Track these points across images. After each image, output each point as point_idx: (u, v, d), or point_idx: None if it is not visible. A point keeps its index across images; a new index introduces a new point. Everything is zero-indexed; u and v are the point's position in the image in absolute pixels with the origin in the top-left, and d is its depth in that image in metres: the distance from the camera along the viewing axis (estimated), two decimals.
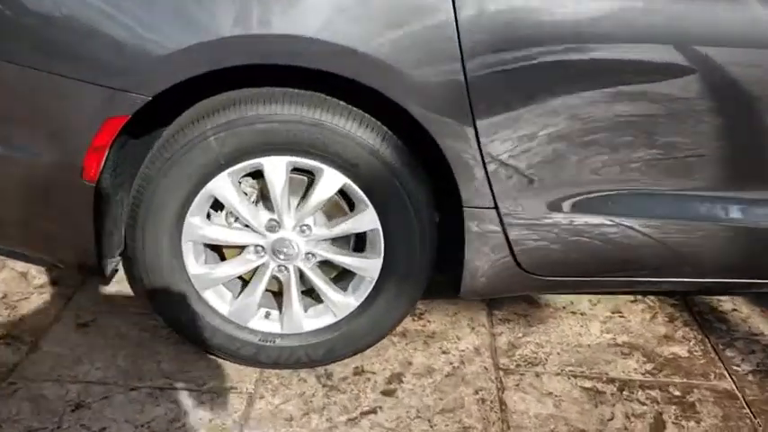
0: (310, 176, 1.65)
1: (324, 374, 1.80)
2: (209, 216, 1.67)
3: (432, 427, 1.66)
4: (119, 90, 1.45)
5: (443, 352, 1.90)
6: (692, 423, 1.71)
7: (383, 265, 1.68)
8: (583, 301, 2.14)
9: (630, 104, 1.51)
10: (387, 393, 1.75)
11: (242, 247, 1.69)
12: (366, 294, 1.72)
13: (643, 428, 1.68)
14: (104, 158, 1.53)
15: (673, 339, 2.01)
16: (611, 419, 1.71)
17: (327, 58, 1.43)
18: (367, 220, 1.63)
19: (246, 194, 1.65)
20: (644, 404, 1.76)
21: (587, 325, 2.05)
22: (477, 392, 1.76)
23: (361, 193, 1.60)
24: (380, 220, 1.63)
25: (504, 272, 1.71)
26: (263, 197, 1.69)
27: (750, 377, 1.87)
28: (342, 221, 1.65)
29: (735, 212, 1.62)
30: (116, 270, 1.90)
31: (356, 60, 1.42)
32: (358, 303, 1.73)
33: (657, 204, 1.66)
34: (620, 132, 1.54)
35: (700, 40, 1.45)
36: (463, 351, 1.91)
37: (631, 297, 2.16)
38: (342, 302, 1.73)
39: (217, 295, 1.72)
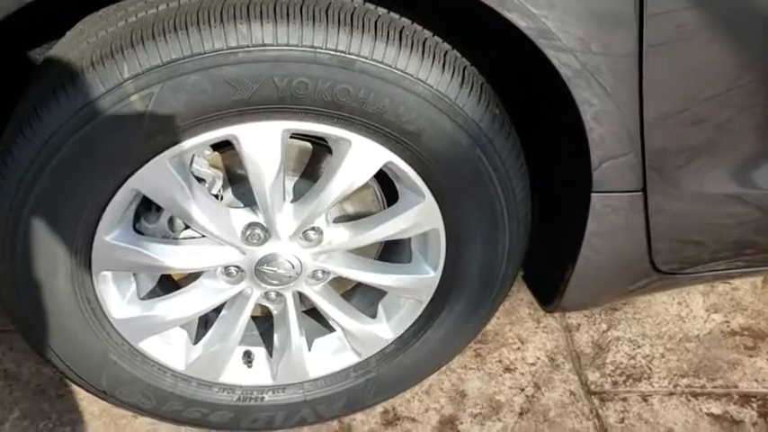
0: (317, 142, 0.93)
1: (339, 430, 1.17)
2: (137, 219, 0.93)
3: None
4: None
5: (507, 369, 1.29)
6: None
7: (442, 280, 1.01)
8: None
9: None
10: None
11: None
12: (411, 323, 1.06)
13: None
14: None
15: None
16: None
17: None
18: (423, 217, 0.94)
19: (203, 180, 0.91)
20: None
21: (686, 301, 1.47)
22: None
23: (413, 175, 0.89)
24: (444, 215, 0.94)
25: (629, 276, 1.08)
26: (232, 179, 0.96)
27: None
28: (381, 221, 0.95)
29: None
30: None
31: None
32: (396, 336, 1.07)
33: None
34: None
35: None
36: (533, 365, 1.31)
37: None
38: (369, 336, 1.06)
39: (162, 341, 1.02)
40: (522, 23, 0.77)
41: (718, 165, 0.97)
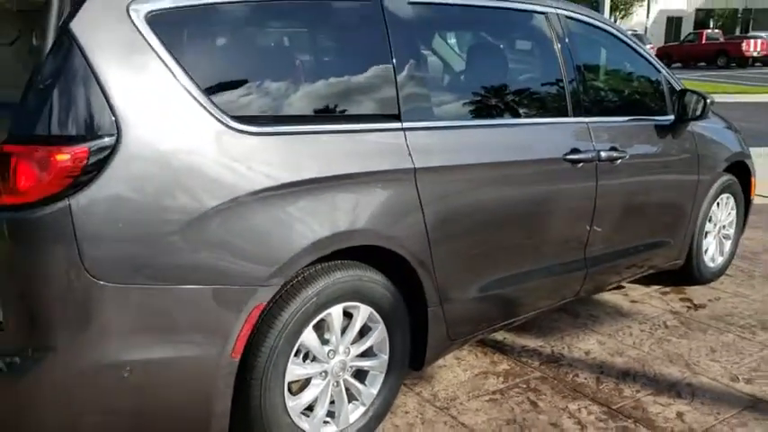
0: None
1: None
2: None
3: None
4: (265, 286, 2.14)
5: (406, 412, 2.86)
6: (533, 394, 3.03)
7: (389, 360, 2.61)
8: None
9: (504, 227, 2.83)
10: None
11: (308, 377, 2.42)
12: (380, 383, 2.61)
13: (522, 399, 2.94)
14: (247, 336, 2.15)
15: (495, 363, 3.33)
16: (514, 410, 2.92)
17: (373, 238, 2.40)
18: (381, 332, 2.56)
19: None
20: (519, 397, 3.02)
21: (453, 367, 3.23)
22: (446, 424, 2.78)
23: (378, 316, 2.53)
24: (387, 331, 2.57)
25: (444, 343, 2.81)
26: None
27: (536, 363, 3.30)
28: (367, 338, 2.54)
29: (548, 270, 3.09)
30: None
31: (379, 236, 2.42)
32: (376, 391, 2.60)
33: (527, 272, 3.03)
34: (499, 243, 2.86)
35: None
36: (415, 407, 2.89)
37: None
38: (368, 394, 2.58)
39: (299, 417, 2.39)
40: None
41: (468, 282, 2.79)
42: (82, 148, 1.86)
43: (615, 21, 39.39)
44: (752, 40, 30.63)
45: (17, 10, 2.77)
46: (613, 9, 37.39)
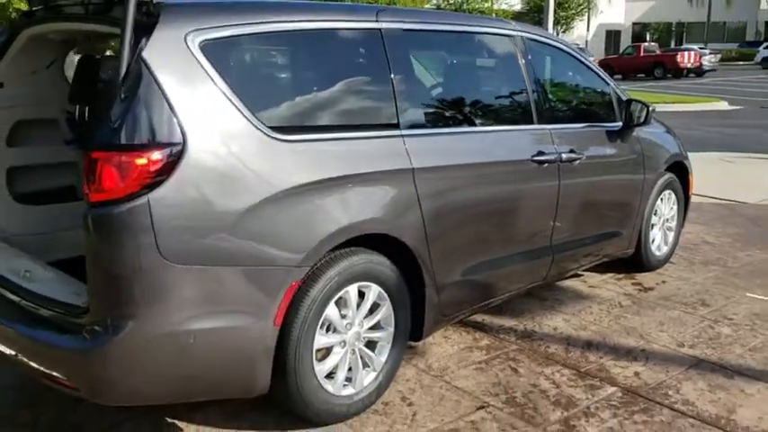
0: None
1: (374, 409, 3.04)
2: None
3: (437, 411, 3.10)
4: (299, 267, 2.58)
5: (406, 380, 3.31)
6: (513, 363, 3.52)
7: (394, 332, 3.06)
8: None
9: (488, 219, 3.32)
10: (409, 404, 3.10)
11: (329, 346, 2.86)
12: (387, 352, 3.06)
13: (503, 367, 3.43)
14: (286, 309, 2.58)
15: (477, 339, 3.81)
16: (498, 375, 3.40)
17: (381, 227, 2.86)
18: (388, 309, 3.01)
19: None
20: (501, 365, 3.50)
21: (442, 344, 3.70)
22: (441, 388, 3.24)
23: (386, 294, 2.98)
24: (392, 307, 3.02)
25: (438, 318, 3.28)
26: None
27: (512, 338, 3.79)
28: (377, 314, 2.98)
29: (521, 256, 3.59)
30: None
31: (386, 225, 2.89)
32: (384, 359, 3.05)
33: (503, 257, 3.52)
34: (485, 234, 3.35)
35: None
36: (413, 376, 3.35)
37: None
38: (378, 361, 3.02)
39: (324, 380, 2.82)
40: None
41: (455, 267, 3.26)
42: (157, 153, 2.28)
43: (557, 35, 40.80)
44: (686, 53, 32.24)
45: (60, 40, 3.18)
46: (556, 23, 38.70)
